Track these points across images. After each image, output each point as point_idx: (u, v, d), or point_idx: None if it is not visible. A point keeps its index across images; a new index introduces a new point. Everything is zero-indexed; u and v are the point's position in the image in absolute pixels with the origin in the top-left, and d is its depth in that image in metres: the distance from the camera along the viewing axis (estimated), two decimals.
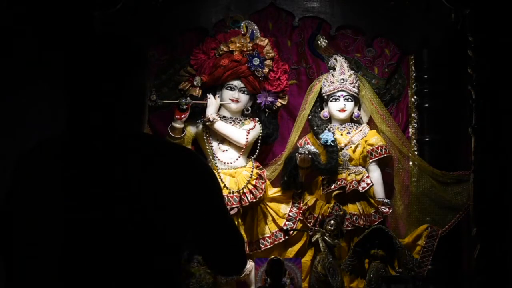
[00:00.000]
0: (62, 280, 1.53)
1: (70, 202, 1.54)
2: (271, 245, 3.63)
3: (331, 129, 3.72)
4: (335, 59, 3.79)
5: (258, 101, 3.67)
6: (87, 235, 1.53)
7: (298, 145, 3.76)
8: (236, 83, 3.63)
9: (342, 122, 3.77)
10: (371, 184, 3.67)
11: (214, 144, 3.65)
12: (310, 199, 3.68)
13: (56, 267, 1.54)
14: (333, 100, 3.74)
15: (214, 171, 3.52)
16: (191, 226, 1.61)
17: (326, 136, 3.65)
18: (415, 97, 3.84)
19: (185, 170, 1.62)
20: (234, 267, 1.76)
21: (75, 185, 1.55)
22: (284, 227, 3.63)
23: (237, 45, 3.62)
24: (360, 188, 3.63)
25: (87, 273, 1.53)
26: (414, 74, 3.86)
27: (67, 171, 1.56)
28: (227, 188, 3.53)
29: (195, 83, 3.64)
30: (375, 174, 3.73)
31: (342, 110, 3.73)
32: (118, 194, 1.54)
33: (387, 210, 3.67)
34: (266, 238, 3.65)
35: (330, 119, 3.80)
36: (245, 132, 3.63)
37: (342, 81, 3.73)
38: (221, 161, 3.62)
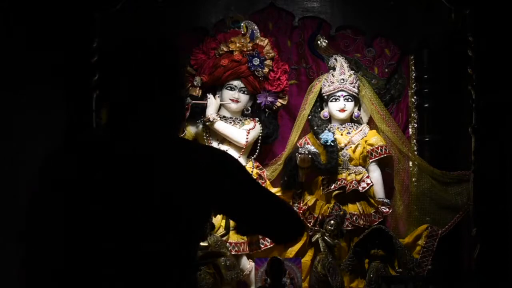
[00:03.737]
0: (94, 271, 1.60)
1: (105, 201, 1.60)
2: (271, 245, 3.63)
3: (331, 129, 3.72)
4: (335, 59, 3.79)
5: (258, 101, 3.67)
6: (120, 233, 1.60)
7: (298, 145, 3.76)
8: (236, 83, 3.63)
9: (342, 122, 3.77)
10: (371, 184, 3.67)
11: (214, 144, 3.65)
12: (310, 199, 3.68)
13: (89, 259, 1.61)
14: (333, 100, 3.74)
15: None
16: (235, 208, 1.72)
17: (326, 136, 3.65)
18: (415, 97, 3.85)
19: (218, 163, 1.70)
20: (292, 231, 1.83)
21: (110, 184, 1.61)
22: None
23: (237, 45, 3.63)
24: (360, 188, 3.63)
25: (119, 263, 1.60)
26: (414, 74, 3.86)
27: (103, 171, 1.61)
28: None
29: (195, 83, 3.64)
30: (375, 174, 3.73)
31: (342, 110, 3.73)
32: (152, 193, 1.61)
33: (387, 210, 3.67)
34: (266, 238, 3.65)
35: (330, 119, 3.80)
36: (245, 132, 3.63)
37: (342, 81, 3.73)
38: None
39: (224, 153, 1.78)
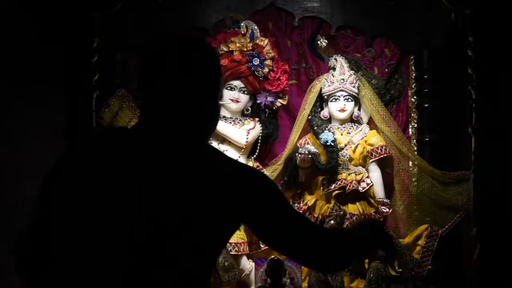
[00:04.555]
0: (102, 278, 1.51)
1: (124, 202, 1.51)
2: None
3: (331, 129, 3.72)
4: (335, 59, 3.79)
5: (258, 101, 3.67)
6: (134, 237, 1.50)
7: (298, 145, 3.76)
8: (236, 83, 3.63)
9: (342, 122, 3.77)
10: (371, 184, 3.66)
11: (214, 144, 3.64)
12: (310, 199, 3.68)
13: (99, 264, 1.51)
14: (333, 100, 3.74)
15: None
16: (269, 228, 1.63)
17: (326, 136, 3.65)
18: (415, 97, 3.84)
19: (245, 176, 1.62)
20: (328, 256, 1.70)
21: (131, 189, 1.52)
22: None
23: (237, 45, 3.63)
24: (360, 188, 3.63)
25: (129, 275, 1.50)
26: (414, 74, 3.86)
27: (123, 172, 1.53)
28: None
29: None
30: (375, 174, 3.73)
31: (342, 110, 3.73)
32: (174, 202, 1.52)
33: (387, 210, 3.67)
34: None
35: (330, 119, 3.80)
36: (245, 132, 3.63)
37: (342, 81, 3.73)
38: None
39: (257, 170, 1.72)
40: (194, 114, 1.60)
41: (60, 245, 1.53)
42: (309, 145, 3.68)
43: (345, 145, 3.70)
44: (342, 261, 1.76)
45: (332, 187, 3.65)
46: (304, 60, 3.94)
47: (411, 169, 3.77)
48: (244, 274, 3.57)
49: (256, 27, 3.72)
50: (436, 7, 3.59)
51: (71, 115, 3.38)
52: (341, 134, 3.73)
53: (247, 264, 3.59)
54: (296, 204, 3.69)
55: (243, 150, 3.64)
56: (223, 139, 3.64)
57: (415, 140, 3.84)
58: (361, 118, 3.82)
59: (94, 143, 1.60)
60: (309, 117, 3.79)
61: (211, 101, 1.64)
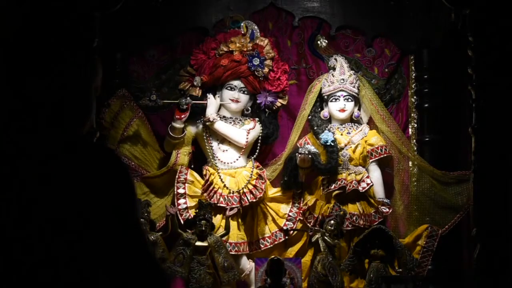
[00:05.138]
0: None
1: None
2: (271, 245, 3.63)
3: (331, 129, 3.72)
4: (335, 59, 3.79)
5: (258, 101, 3.67)
6: None
7: (298, 145, 3.76)
8: (236, 83, 3.63)
9: (342, 122, 3.77)
10: (371, 184, 3.67)
11: (214, 144, 3.65)
12: (310, 199, 3.68)
13: None
14: (333, 100, 3.74)
15: (215, 171, 3.55)
16: (100, 241, 1.37)
17: (326, 136, 3.65)
18: (415, 97, 3.85)
19: (98, 175, 1.39)
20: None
21: None
22: (284, 227, 3.63)
23: (237, 45, 3.63)
24: (360, 188, 3.63)
25: None
26: (414, 74, 3.86)
27: None
28: (227, 188, 3.53)
29: (195, 83, 3.64)
30: (375, 174, 3.73)
31: (342, 110, 3.73)
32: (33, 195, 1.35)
33: (387, 210, 3.67)
34: (266, 238, 3.65)
35: (330, 119, 3.80)
36: (245, 132, 3.63)
37: (342, 81, 3.73)
38: (221, 161, 3.62)
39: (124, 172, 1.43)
40: (60, 104, 1.49)
41: None
42: (309, 145, 3.68)
43: (345, 145, 3.70)
44: None
45: (332, 187, 3.65)
46: (304, 60, 3.94)
47: (411, 169, 3.77)
48: (244, 274, 3.57)
49: (256, 27, 3.72)
50: (436, 7, 3.59)
51: None
52: (341, 134, 3.73)
53: (247, 264, 3.59)
54: (296, 204, 3.69)
55: (243, 150, 3.64)
56: (223, 139, 3.64)
57: (415, 140, 3.85)
58: (361, 118, 3.82)
59: None
60: (309, 117, 3.79)
61: (79, 90, 1.52)
